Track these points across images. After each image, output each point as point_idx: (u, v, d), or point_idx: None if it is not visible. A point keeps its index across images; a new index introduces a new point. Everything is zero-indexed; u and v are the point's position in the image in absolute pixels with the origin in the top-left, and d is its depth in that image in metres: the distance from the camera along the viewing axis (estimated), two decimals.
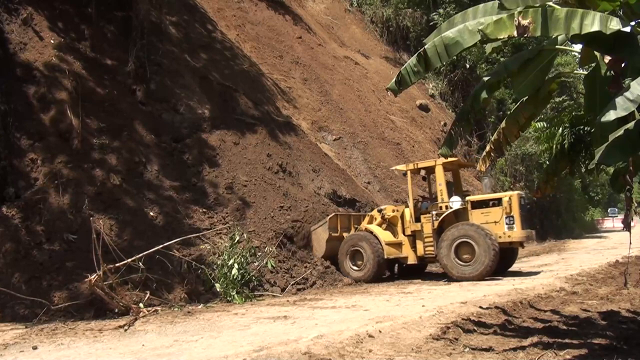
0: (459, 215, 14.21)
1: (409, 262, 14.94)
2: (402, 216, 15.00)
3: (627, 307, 9.34)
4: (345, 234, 15.14)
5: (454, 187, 15.44)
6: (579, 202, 44.08)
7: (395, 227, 15.02)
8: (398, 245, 14.79)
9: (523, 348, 6.40)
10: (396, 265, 15.68)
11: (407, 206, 15.31)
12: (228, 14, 22.04)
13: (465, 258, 13.45)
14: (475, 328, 7.76)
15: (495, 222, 13.74)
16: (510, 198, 13.75)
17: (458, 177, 16.06)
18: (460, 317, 8.36)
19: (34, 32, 13.32)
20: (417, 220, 14.62)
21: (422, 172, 16.09)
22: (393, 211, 15.12)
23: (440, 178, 14.41)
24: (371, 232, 14.73)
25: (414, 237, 14.73)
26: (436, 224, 14.11)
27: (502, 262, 13.98)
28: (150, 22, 15.75)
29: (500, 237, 13.52)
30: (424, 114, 29.80)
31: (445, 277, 13.96)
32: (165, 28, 16.75)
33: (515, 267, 15.87)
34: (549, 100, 7.91)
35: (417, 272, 15.67)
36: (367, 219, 15.43)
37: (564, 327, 7.87)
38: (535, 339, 6.79)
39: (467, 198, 14.61)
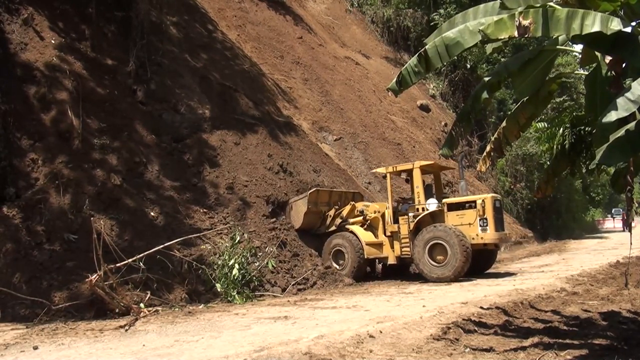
0: (435, 218, 14.53)
1: (389, 262, 15.17)
2: (383, 217, 15.22)
3: (628, 308, 9.34)
4: (324, 208, 15.37)
5: (434, 190, 15.63)
6: (580, 202, 44.03)
7: (376, 227, 15.26)
8: (378, 246, 15.08)
9: (524, 348, 6.40)
10: (381, 264, 15.85)
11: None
12: (229, 14, 22.04)
13: (438, 259, 13.68)
14: (476, 328, 7.76)
15: (470, 224, 14.05)
16: (483, 201, 14.05)
17: (439, 180, 16.41)
18: (460, 318, 8.36)
19: (34, 32, 13.32)
20: (396, 221, 14.87)
21: (403, 175, 16.36)
22: (374, 212, 15.33)
23: (418, 181, 14.67)
24: (352, 232, 14.97)
25: (393, 237, 14.98)
26: (412, 225, 14.40)
27: (478, 264, 14.36)
28: (150, 22, 15.75)
29: (473, 238, 13.81)
30: (424, 114, 29.80)
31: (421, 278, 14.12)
32: (165, 28, 16.75)
33: (515, 267, 15.87)
34: (549, 100, 7.91)
35: (399, 272, 15.74)
36: (348, 208, 15.52)
37: (565, 328, 7.87)
38: (535, 339, 6.79)
39: (444, 200, 14.85)
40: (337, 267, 14.70)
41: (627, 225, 10.89)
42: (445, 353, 6.38)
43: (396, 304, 10.23)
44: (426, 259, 13.77)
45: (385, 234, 15.14)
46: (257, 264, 12.20)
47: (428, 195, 14.91)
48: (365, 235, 15.02)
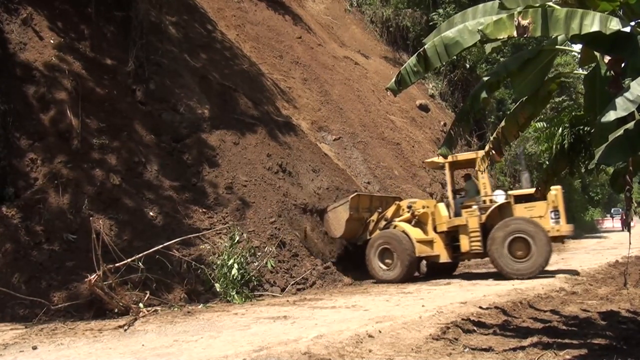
0: (503, 210, 13.87)
1: (441, 261, 14.53)
2: (433, 212, 14.62)
3: (627, 307, 9.36)
4: (365, 215, 14.82)
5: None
6: (579, 202, 44.05)
7: (425, 224, 14.62)
8: (429, 243, 14.40)
9: (523, 348, 6.41)
10: (424, 264, 15.10)
11: (440, 201, 15.05)
12: (228, 14, 22.02)
13: (518, 254, 13.12)
14: (475, 328, 7.77)
15: (541, 216, 13.51)
16: (556, 192, 13.51)
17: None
18: (460, 317, 8.37)
19: (33, 32, 13.31)
20: (457, 215, 14.22)
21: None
22: (423, 207, 14.73)
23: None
24: (401, 230, 14.41)
25: (449, 233, 14.32)
26: (484, 217, 13.75)
27: None
28: (149, 22, 15.74)
29: (549, 231, 13.25)
30: (423, 114, 29.78)
31: (475, 276, 13.77)
32: (165, 28, 16.74)
33: None
34: (548, 100, 7.90)
35: (447, 270, 15.35)
36: (392, 208, 15.03)
37: (564, 327, 7.88)
38: (535, 339, 6.80)
39: (509, 192, 14.37)
40: (384, 267, 14.19)
41: (626, 225, 10.91)
42: (444, 353, 6.38)
43: (395, 303, 10.24)
44: (505, 254, 13.13)
45: (435, 230, 14.51)
46: (256, 263, 12.20)
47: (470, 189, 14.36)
48: (415, 232, 14.39)
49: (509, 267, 13.17)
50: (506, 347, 6.55)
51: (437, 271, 15.23)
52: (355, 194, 14.83)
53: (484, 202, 13.94)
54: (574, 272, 14.06)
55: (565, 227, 13.55)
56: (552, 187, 13.67)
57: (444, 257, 14.41)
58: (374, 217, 15.05)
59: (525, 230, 13.06)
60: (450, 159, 13.69)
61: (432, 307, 9.25)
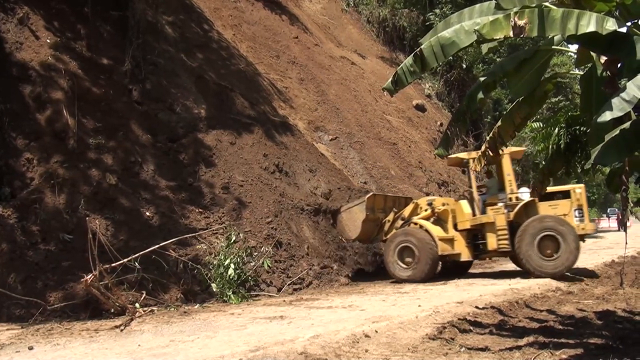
0: (528, 208, 13.68)
1: (462, 259, 14.29)
2: (453, 209, 14.39)
3: (623, 307, 9.38)
4: (380, 215, 14.56)
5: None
6: None
7: (445, 221, 14.34)
8: (449, 241, 14.07)
9: (519, 348, 6.42)
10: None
11: (461, 198, 14.84)
12: (224, 14, 22.01)
13: (547, 253, 12.96)
14: (472, 328, 7.79)
15: (565, 214, 13.39)
16: (580, 190, 13.44)
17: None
18: (456, 317, 8.38)
19: (30, 32, 13.28)
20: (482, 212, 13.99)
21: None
22: (443, 204, 14.50)
23: (508, 168, 13.80)
24: (422, 227, 14.13)
25: (471, 231, 14.10)
26: (512, 215, 13.56)
27: None
28: (146, 21, 15.71)
29: None
30: (420, 114, 29.81)
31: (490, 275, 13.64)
32: (161, 27, 16.72)
33: (511, 266, 15.87)
34: (544, 100, 7.92)
35: (460, 270, 15.11)
36: (410, 207, 14.78)
37: (560, 327, 7.90)
38: (531, 338, 6.81)
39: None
40: (403, 266, 13.87)
41: (623, 225, 10.93)
42: (440, 352, 6.39)
43: (392, 303, 10.24)
44: (535, 253, 12.90)
45: (456, 228, 14.21)
46: (252, 263, 12.19)
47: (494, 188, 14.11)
48: (437, 230, 14.04)
49: (537, 265, 13.00)
50: (502, 346, 6.56)
51: (449, 270, 15.08)
52: (371, 193, 14.57)
53: (510, 199, 13.77)
54: (592, 274, 14.05)
55: (589, 226, 13.49)
56: (574, 186, 13.67)
57: (465, 256, 14.17)
58: (390, 217, 14.80)
59: (557, 229, 12.91)
60: (475, 155, 13.36)
61: (429, 307, 9.25)
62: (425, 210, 14.56)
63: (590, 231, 13.70)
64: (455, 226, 14.30)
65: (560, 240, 12.87)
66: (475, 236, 14.22)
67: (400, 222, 14.69)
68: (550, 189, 13.90)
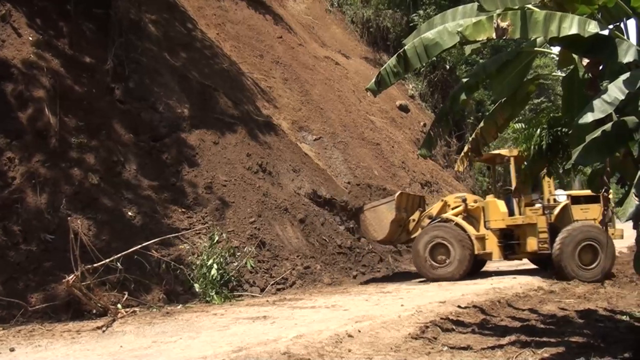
0: (563, 211, 13.56)
1: (493, 259, 14.07)
2: (484, 208, 14.05)
3: (604, 306, 9.49)
4: (404, 214, 14.16)
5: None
6: None
7: (477, 219, 13.98)
8: (482, 240, 13.71)
9: (501, 347, 6.47)
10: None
11: (494, 196, 14.51)
12: (208, 13, 21.91)
13: (583, 259, 12.85)
14: (454, 327, 7.83)
15: (595, 219, 13.27)
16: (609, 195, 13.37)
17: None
18: (438, 317, 8.42)
19: (12, 29, 13.11)
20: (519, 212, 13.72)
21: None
22: (475, 202, 14.23)
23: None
24: (457, 224, 13.75)
25: (504, 231, 13.83)
26: (553, 217, 13.37)
27: None
28: (129, 20, 15.60)
29: None
30: (403, 114, 29.88)
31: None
32: (144, 26, 16.61)
33: (493, 266, 15.98)
34: (527, 101, 8.00)
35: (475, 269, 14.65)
36: (438, 205, 14.50)
37: (542, 326, 7.97)
38: (513, 337, 6.87)
39: (567, 193, 14.03)
40: (435, 264, 13.43)
41: (604, 225, 11.05)
42: (423, 352, 6.41)
43: (375, 303, 10.26)
44: (575, 259, 12.78)
45: (486, 226, 13.81)
46: (235, 264, 12.15)
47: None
48: (470, 228, 13.67)
49: (574, 272, 12.88)
50: (484, 345, 6.61)
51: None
52: (400, 192, 14.23)
53: (548, 201, 13.60)
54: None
55: (618, 231, 13.35)
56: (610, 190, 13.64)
57: (497, 256, 13.92)
58: (415, 216, 14.48)
59: (598, 239, 12.79)
60: (515, 152, 13.23)
61: (411, 307, 9.28)
62: (457, 206, 14.22)
63: (619, 236, 13.45)
64: (485, 225, 13.96)
65: (599, 250, 12.80)
66: (506, 236, 13.96)
67: (426, 220, 14.29)
68: (581, 192, 13.80)
